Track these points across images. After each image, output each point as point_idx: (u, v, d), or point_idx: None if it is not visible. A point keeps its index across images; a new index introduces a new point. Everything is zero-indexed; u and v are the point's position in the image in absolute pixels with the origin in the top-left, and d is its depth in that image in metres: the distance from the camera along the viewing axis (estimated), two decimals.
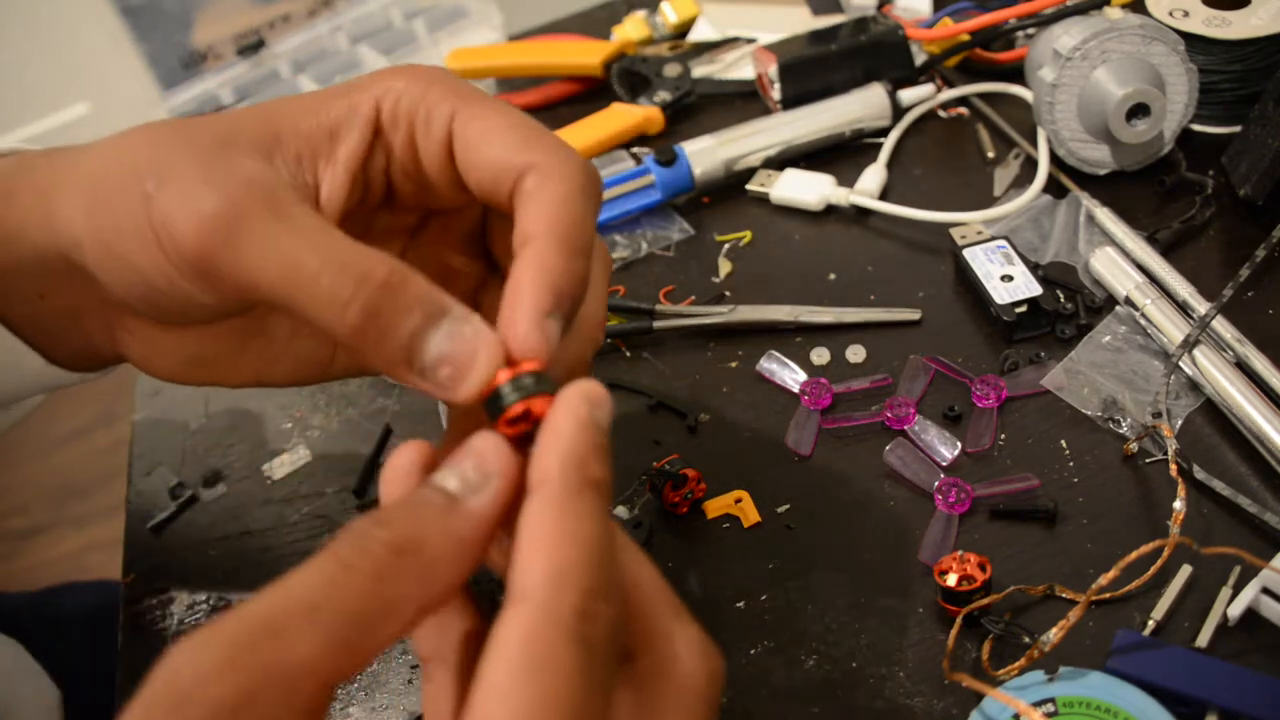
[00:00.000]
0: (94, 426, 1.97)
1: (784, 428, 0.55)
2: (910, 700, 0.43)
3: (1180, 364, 0.51)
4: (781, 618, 0.47)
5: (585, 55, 0.80)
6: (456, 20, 0.87)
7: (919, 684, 0.44)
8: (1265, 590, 0.42)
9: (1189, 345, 0.51)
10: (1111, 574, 0.41)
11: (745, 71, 0.78)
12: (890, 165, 0.69)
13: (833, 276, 0.62)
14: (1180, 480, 0.44)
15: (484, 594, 0.31)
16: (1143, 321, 0.54)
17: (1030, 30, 0.68)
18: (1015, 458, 0.51)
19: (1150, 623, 0.43)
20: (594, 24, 0.87)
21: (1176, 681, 0.40)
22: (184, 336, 0.41)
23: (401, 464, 0.31)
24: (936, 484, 0.50)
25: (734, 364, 0.59)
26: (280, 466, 0.61)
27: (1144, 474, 0.49)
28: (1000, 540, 0.48)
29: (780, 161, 0.70)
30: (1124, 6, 0.64)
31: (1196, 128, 0.65)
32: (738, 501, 0.52)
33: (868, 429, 0.54)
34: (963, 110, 0.72)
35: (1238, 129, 0.61)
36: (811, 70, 0.72)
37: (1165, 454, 0.48)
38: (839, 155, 0.70)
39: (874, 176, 0.67)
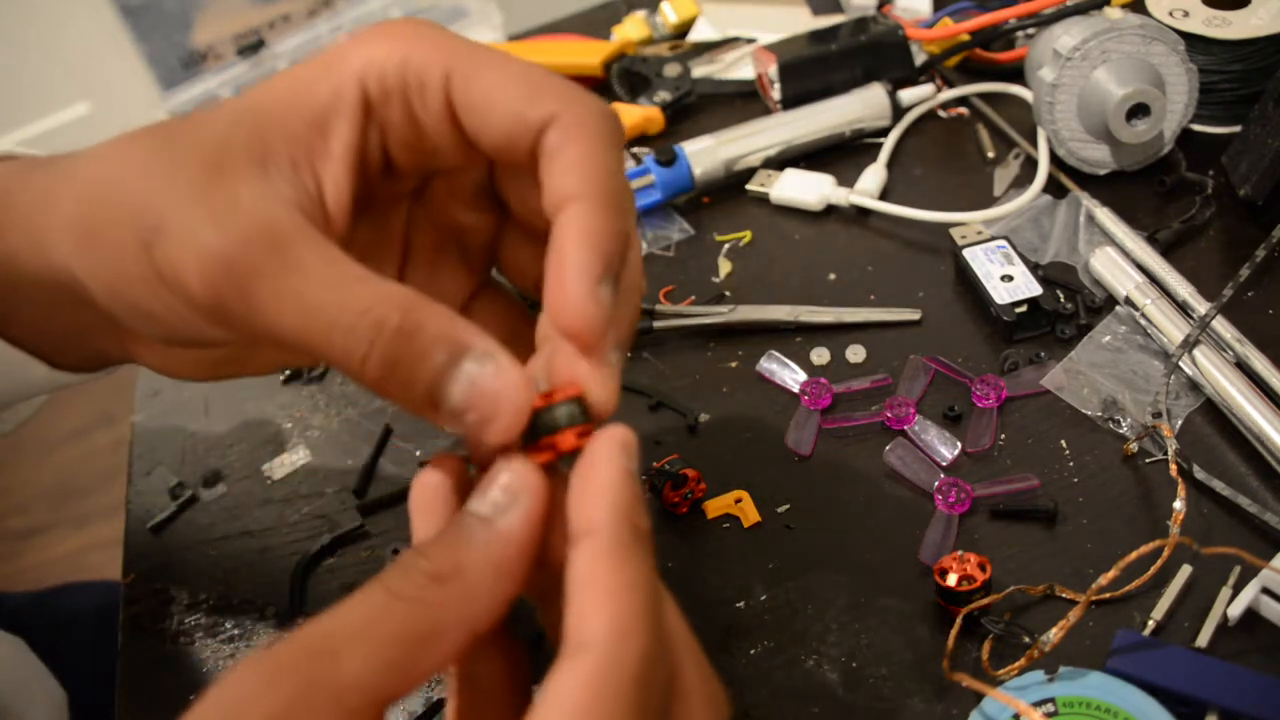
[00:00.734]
0: (94, 426, 1.97)
1: (784, 428, 0.55)
2: (910, 700, 0.43)
3: (1180, 364, 0.51)
4: (781, 618, 0.47)
5: (585, 55, 0.80)
6: (456, 20, 0.87)
7: (919, 684, 0.44)
8: (1265, 590, 0.42)
9: (1189, 345, 0.51)
10: (1111, 574, 0.41)
11: (745, 71, 0.78)
12: (890, 165, 0.69)
13: (833, 276, 0.62)
14: (1180, 480, 0.44)
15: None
16: (1143, 321, 0.54)
17: (1030, 30, 0.68)
18: (1015, 458, 0.51)
19: (1150, 623, 0.43)
20: (594, 24, 0.87)
21: (1176, 681, 0.40)
22: (197, 350, 0.40)
23: (428, 484, 0.31)
24: (936, 484, 0.50)
25: (734, 364, 0.59)
26: (280, 466, 0.61)
27: (1144, 474, 0.49)
28: (1000, 540, 0.48)
29: (780, 161, 0.70)
30: (1124, 6, 0.64)
31: (1196, 128, 0.65)
32: (738, 501, 0.52)
33: (868, 429, 0.54)
34: (963, 110, 0.72)
35: (1238, 129, 0.61)
36: (811, 70, 0.72)
37: (1165, 454, 0.48)
38: (839, 155, 0.70)
39: (874, 176, 0.67)
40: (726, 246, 0.66)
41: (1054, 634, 0.41)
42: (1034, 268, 0.57)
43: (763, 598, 0.48)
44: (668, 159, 0.68)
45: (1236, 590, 0.43)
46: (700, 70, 0.78)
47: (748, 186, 0.69)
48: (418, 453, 0.59)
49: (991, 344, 0.56)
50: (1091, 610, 0.44)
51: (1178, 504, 0.43)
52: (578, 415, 0.31)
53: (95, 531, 1.80)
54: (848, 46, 0.72)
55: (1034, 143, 0.66)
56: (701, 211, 0.69)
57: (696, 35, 0.83)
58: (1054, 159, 0.64)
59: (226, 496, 0.60)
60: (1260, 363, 0.50)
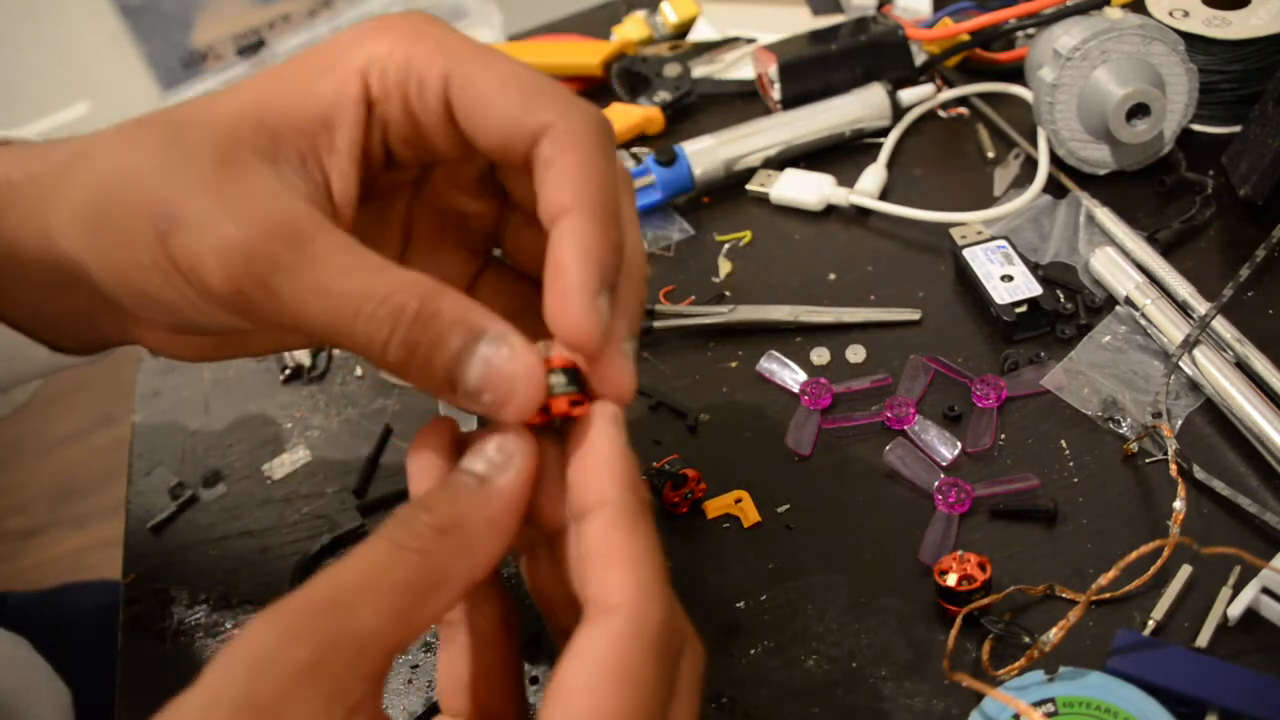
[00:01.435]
0: (94, 426, 1.97)
1: (784, 428, 0.55)
2: (910, 700, 0.43)
3: (1180, 364, 0.51)
4: (781, 618, 0.47)
5: (585, 55, 0.80)
6: (457, 20, 0.87)
7: (919, 684, 0.44)
8: (1265, 590, 0.42)
9: (1189, 345, 0.51)
10: (1111, 574, 0.41)
11: (745, 71, 0.78)
12: (890, 165, 0.69)
13: (833, 276, 0.62)
14: (1180, 480, 0.44)
15: None
16: (1143, 321, 0.54)
17: (1030, 30, 0.68)
18: (1015, 458, 0.51)
19: (1150, 623, 0.43)
20: (594, 24, 0.87)
21: (1176, 681, 0.40)
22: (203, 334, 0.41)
23: (426, 444, 0.34)
24: (936, 484, 0.50)
25: (734, 364, 0.59)
26: (280, 466, 0.61)
27: (1144, 474, 0.49)
28: (1000, 540, 0.48)
29: (780, 161, 0.70)
30: (1124, 6, 0.64)
31: (1196, 128, 0.65)
32: (738, 501, 0.52)
33: (868, 429, 0.54)
34: (963, 110, 0.72)
35: (1238, 129, 0.61)
36: (811, 70, 0.72)
37: (1165, 454, 0.48)
38: (839, 155, 0.70)
39: (874, 176, 0.67)
40: (726, 246, 0.66)
41: (1054, 634, 0.41)
42: (1034, 268, 0.57)
43: (763, 598, 0.48)
44: (668, 159, 0.68)
45: (1236, 590, 0.43)
46: (700, 70, 0.78)
47: (748, 186, 0.69)
48: None
49: (991, 344, 0.56)
50: (1091, 610, 0.44)
51: (1178, 504, 0.43)
52: (569, 384, 0.32)
53: (95, 531, 1.80)
54: (848, 46, 0.72)
55: (1034, 143, 0.66)
56: (701, 211, 0.69)
57: (696, 35, 0.83)
58: (1054, 159, 0.64)
59: (226, 496, 0.60)
60: (1260, 363, 0.50)
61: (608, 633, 0.28)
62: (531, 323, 0.34)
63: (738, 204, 0.69)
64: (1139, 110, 0.60)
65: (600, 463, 0.31)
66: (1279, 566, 0.42)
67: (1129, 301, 0.55)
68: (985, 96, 0.71)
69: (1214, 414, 0.50)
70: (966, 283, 0.59)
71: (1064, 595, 0.45)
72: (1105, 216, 0.60)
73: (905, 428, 0.53)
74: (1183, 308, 0.54)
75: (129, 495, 0.62)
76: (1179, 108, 0.61)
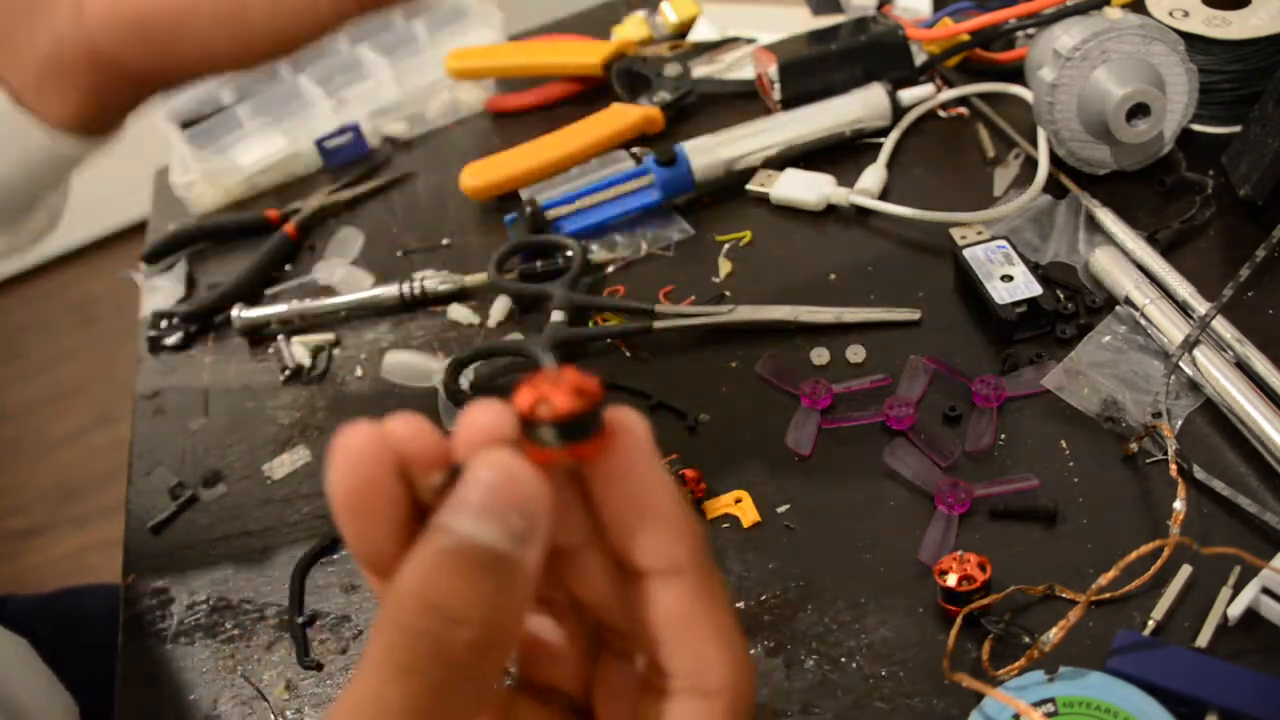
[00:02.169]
0: (94, 427, 1.97)
1: (784, 428, 0.54)
2: (910, 700, 0.43)
3: (1180, 364, 0.51)
4: (781, 618, 0.47)
5: (585, 55, 0.80)
6: (457, 20, 0.87)
7: (919, 684, 0.44)
8: (1265, 590, 0.42)
9: (1189, 345, 0.51)
10: (1111, 574, 0.41)
11: (745, 71, 0.78)
12: (890, 165, 0.69)
13: (833, 276, 0.62)
14: (1180, 480, 0.44)
15: None
16: (1143, 321, 0.54)
17: (1030, 30, 0.68)
18: (1015, 458, 0.51)
19: (1150, 623, 0.43)
20: (594, 24, 0.87)
21: (1176, 681, 0.40)
22: None
23: (356, 462, 0.24)
24: (936, 484, 0.50)
25: (734, 364, 0.59)
26: (280, 466, 0.61)
27: (1144, 474, 0.49)
28: (1000, 540, 0.48)
29: (780, 161, 0.70)
30: (1124, 6, 0.64)
31: (1196, 128, 0.65)
32: (738, 501, 0.52)
33: (868, 429, 0.54)
34: (963, 110, 0.72)
35: (1238, 129, 0.61)
36: (811, 70, 0.72)
37: (1165, 454, 0.48)
38: (839, 155, 0.70)
39: (874, 176, 0.67)
40: (726, 246, 0.66)
41: (1054, 634, 0.41)
42: (1034, 268, 0.57)
43: (763, 598, 0.48)
44: (668, 159, 0.68)
45: (1236, 590, 0.43)
46: (700, 70, 0.78)
47: (748, 186, 0.69)
48: None
49: (991, 344, 0.56)
50: (1091, 610, 0.44)
51: (1178, 504, 0.43)
52: (596, 424, 0.24)
53: (95, 531, 1.80)
54: (848, 46, 0.72)
55: (1034, 143, 0.66)
56: (701, 211, 0.69)
57: (696, 35, 0.83)
58: (1054, 159, 0.64)
59: (226, 496, 0.60)
60: (1260, 363, 0.50)
61: (711, 715, 0.27)
62: None
63: (738, 204, 0.69)
64: (1139, 110, 0.60)
65: (664, 521, 0.25)
66: (1279, 566, 0.42)
67: (1129, 301, 0.55)
68: (985, 96, 0.71)
69: (1214, 414, 0.50)
70: (966, 283, 0.59)
71: (1064, 595, 0.45)
72: (1105, 216, 0.60)
73: (905, 428, 0.53)
74: (1183, 308, 0.54)
75: (129, 495, 0.62)
76: (1179, 108, 0.61)
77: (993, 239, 0.59)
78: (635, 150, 0.73)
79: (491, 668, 0.23)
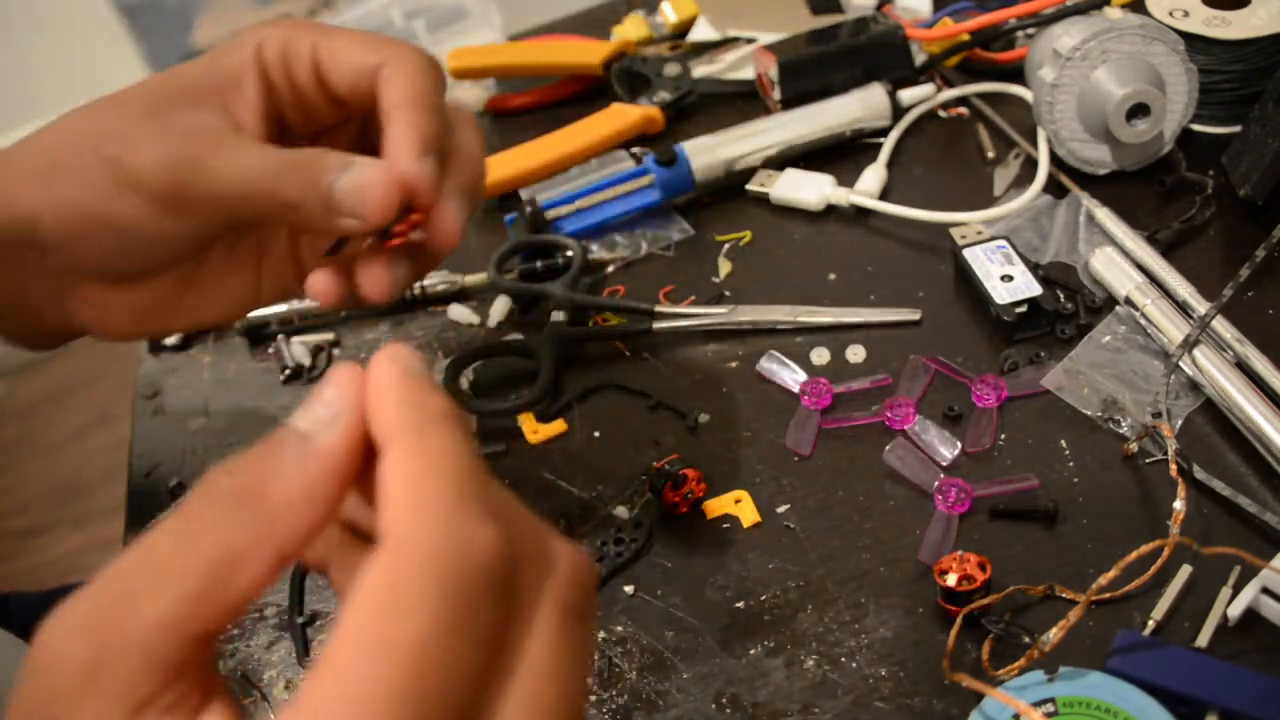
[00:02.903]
0: (94, 426, 1.97)
1: (784, 428, 0.55)
2: (910, 700, 0.43)
3: (1180, 364, 0.51)
4: (781, 618, 0.47)
5: (585, 55, 0.80)
6: (457, 20, 0.87)
7: (919, 684, 0.44)
8: (1265, 590, 0.42)
9: (1189, 345, 0.51)
10: (1111, 574, 0.41)
11: (745, 71, 0.78)
12: (890, 165, 0.69)
13: (833, 276, 0.62)
14: (1180, 480, 0.44)
15: None
16: (1143, 321, 0.54)
17: (1030, 30, 0.68)
18: (1015, 458, 0.51)
19: (1150, 623, 0.43)
20: (594, 24, 0.87)
21: (1176, 681, 0.40)
22: (133, 292, 0.46)
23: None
24: (936, 484, 0.50)
25: (734, 364, 0.59)
26: None
27: (1144, 474, 0.49)
28: (1000, 540, 0.48)
29: (780, 161, 0.70)
30: (1124, 6, 0.64)
31: (1196, 128, 0.65)
32: (738, 501, 0.52)
33: (868, 429, 0.54)
34: (963, 110, 0.72)
35: (1238, 129, 0.61)
36: (811, 70, 0.72)
37: (1165, 454, 0.48)
38: (839, 155, 0.70)
39: (874, 176, 0.67)
40: (726, 246, 0.66)
41: (1054, 634, 0.41)
42: (1034, 268, 0.57)
43: (763, 598, 0.48)
44: (668, 159, 0.68)
45: (1236, 590, 0.43)
46: (700, 70, 0.78)
47: (748, 186, 0.69)
48: None
49: (991, 344, 0.56)
50: (1091, 610, 0.44)
51: (1178, 504, 0.43)
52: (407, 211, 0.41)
53: (95, 531, 1.80)
54: (848, 46, 0.72)
55: (1034, 143, 0.66)
56: (701, 211, 0.69)
57: (696, 35, 0.83)
58: (1054, 159, 0.64)
59: None
60: (1260, 363, 0.50)
61: (373, 566, 0.25)
62: None
63: (738, 204, 0.69)
64: (1139, 110, 0.60)
65: (374, 400, 0.28)
66: (1279, 566, 0.42)
67: (1129, 301, 0.55)
68: (985, 96, 0.71)
69: (1214, 414, 0.50)
70: (966, 283, 0.59)
71: (1064, 595, 0.45)
72: (1105, 216, 0.60)
73: (905, 428, 0.53)
74: (1183, 308, 0.54)
75: (129, 495, 0.62)
76: (1179, 108, 0.61)
77: (993, 239, 0.59)
78: (635, 150, 0.73)
79: (269, 531, 0.27)
